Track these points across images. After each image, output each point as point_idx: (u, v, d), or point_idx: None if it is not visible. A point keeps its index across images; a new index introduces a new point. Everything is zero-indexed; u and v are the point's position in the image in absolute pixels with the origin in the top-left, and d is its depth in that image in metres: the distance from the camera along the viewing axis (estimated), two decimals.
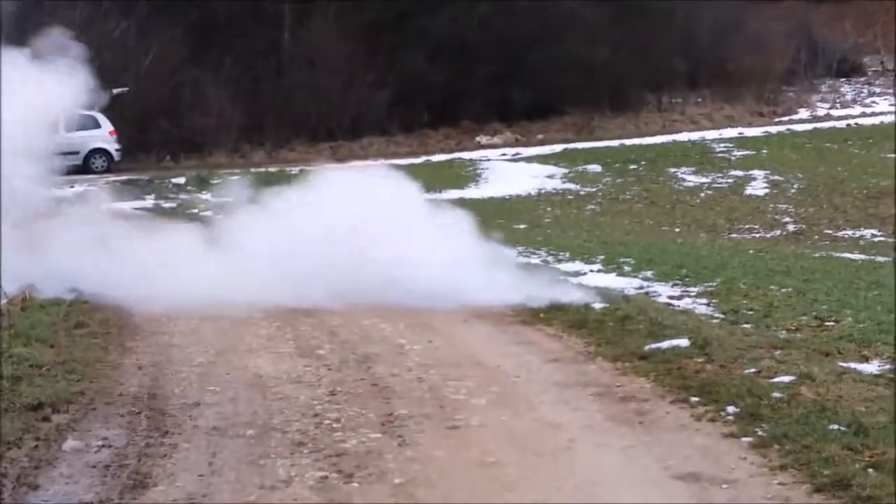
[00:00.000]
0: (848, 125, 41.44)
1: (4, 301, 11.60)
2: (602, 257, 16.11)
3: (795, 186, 31.51)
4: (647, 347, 9.48)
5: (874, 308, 11.33)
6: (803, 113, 45.97)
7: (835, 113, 45.52)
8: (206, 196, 26.20)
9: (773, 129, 41.01)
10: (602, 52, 41.82)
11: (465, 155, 37.64)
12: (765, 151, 36.25)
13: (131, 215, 21.79)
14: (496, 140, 40.62)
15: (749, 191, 31.43)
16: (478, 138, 40.82)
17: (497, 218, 25.64)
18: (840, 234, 26.35)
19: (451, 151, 38.84)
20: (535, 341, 10.40)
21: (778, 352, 9.09)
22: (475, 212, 26.27)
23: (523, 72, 41.22)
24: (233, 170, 31.79)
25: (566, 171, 34.13)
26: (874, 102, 47.90)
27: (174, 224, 16.85)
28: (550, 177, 33.41)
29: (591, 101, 42.65)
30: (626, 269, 14.81)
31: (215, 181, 27.49)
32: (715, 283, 13.19)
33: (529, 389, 8.49)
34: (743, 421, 7.26)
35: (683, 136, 39.62)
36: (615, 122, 43.02)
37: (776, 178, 32.48)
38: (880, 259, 18.72)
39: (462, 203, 28.80)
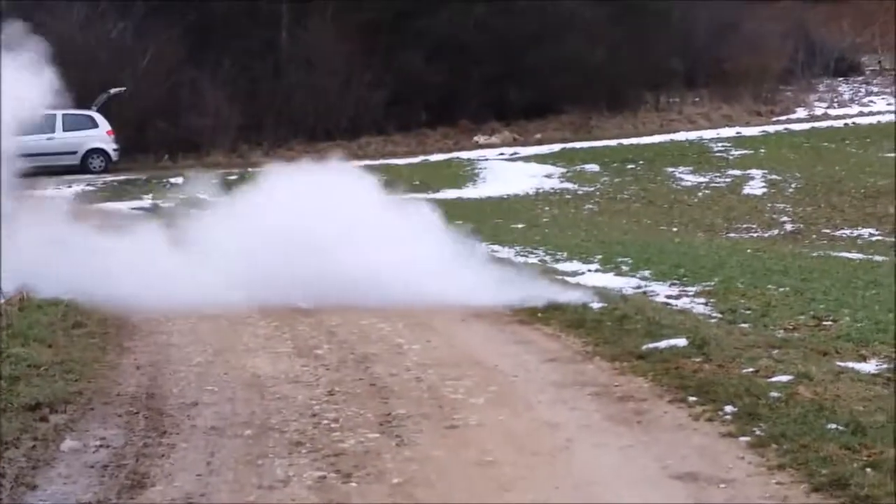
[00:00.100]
0: (845, 124, 41.46)
1: (2, 301, 11.59)
2: (600, 257, 16.11)
3: (793, 186, 31.52)
4: (644, 347, 9.48)
5: (872, 307, 11.33)
6: (801, 112, 45.98)
7: (832, 112, 45.53)
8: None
9: (771, 129, 41.03)
10: (600, 52, 41.82)
11: (463, 154, 37.64)
12: (762, 151, 36.26)
13: (126, 215, 21.70)
14: (494, 139, 40.62)
15: (747, 190, 31.44)
16: (476, 138, 40.82)
17: (495, 217, 25.67)
18: (838, 233, 26.36)
19: (449, 151, 38.84)
20: (532, 341, 10.40)
21: (776, 351, 9.09)
22: (474, 211, 26.38)
23: (521, 72, 41.21)
24: (231, 170, 31.74)
25: (564, 170, 34.14)
26: (872, 102, 47.92)
27: (139, 223, 16.74)
28: (548, 176, 33.41)
29: (588, 101, 42.66)
30: (624, 268, 14.81)
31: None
32: (713, 283, 13.19)
33: (527, 389, 8.50)
34: (741, 420, 7.26)
35: (681, 136, 39.63)
36: (613, 122, 43.03)
37: (774, 177, 32.48)
38: (878, 258, 18.72)
39: (460, 202, 28.88)
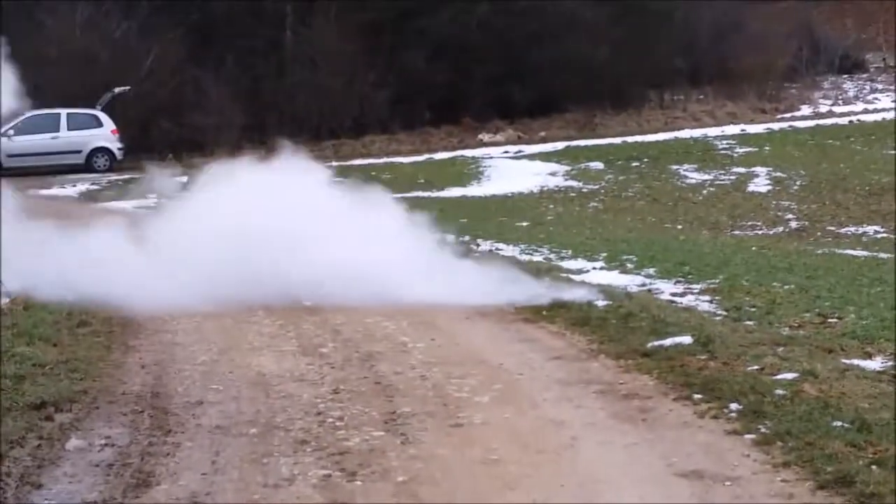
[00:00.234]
0: (850, 122, 41.43)
1: (7, 300, 11.59)
2: (605, 255, 16.09)
3: (798, 183, 31.49)
4: (649, 345, 9.47)
5: (877, 305, 11.31)
6: (805, 110, 45.95)
7: (837, 110, 45.50)
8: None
9: (776, 126, 41.00)
10: (603, 51, 41.81)
11: (468, 153, 37.64)
12: (767, 148, 36.22)
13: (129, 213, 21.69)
14: (498, 138, 40.61)
15: (751, 188, 31.41)
16: (480, 136, 40.81)
17: (499, 215, 25.67)
18: (843, 230, 26.34)
19: (454, 149, 38.84)
20: (537, 339, 10.39)
21: (781, 349, 9.08)
22: (478, 209, 26.37)
23: (524, 70, 41.22)
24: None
25: (568, 168, 34.12)
26: (876, 99, 47.88)
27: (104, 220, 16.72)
28: (553, 174, 33.39)
29: (592, 99, 42.65)
30: (629, 266, 14.80)
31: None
32: (717, 281, 13.17)
33: (532, 387, 8.49)
34: (746, 418, 7.25)
35: (685, 134, 39.61)
36: (617, 120, 43.01)
37: (779, 174, 32.45)
38: (883, 255, 18.69)
39: (465, 201, 28.88)
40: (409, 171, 34.23)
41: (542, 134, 41.02)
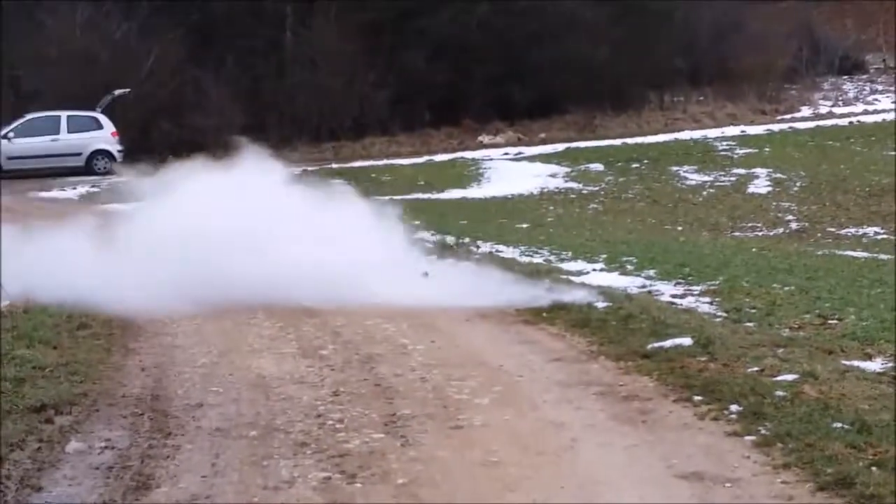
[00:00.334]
0: (850, 123, 41.45)
1: (6, 303, 11.59)
2: (605, 256, 16.09)
3: (798, 184, 31.50)
4: (649, 346, 9.47)
5: (877, 306, 11.31)
6: (805, 111, 45.99)
7: (837, 111, 45.52)
8: None
9: (776, 127, 41.03)
10: (603, 52, 41.83)
11: (468, 154, 37.66)
12: (767, 149, 36.24)
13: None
14: (498, 139, 40.63)
15: (752, 189, 31.43)
16: (480, 137, 40.83)
17: (500, 217, 25.67)
18: (843, 231, 26.35)
19: (454, 151, 38.87)
20: (537, 341, 10.39)
21: (781, 350, 9.07)
22: (478, 211, 26.36)
23: (524, 71, 41.24)
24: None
25: (568, 170, 34.14)
26: (876, 100, 47.91)
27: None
28: (553, 176, 33.41)
29: (592, 100, 42.67)
30: (629, 267, 14.79)
31: None
32: (718, 282, 13.17)
33: (532, 389, 8.49)
34: (746, 419, 7.25)
35: (685, 135, 39.64)
36: (617, 121, 43.03)
37: (779, 176, 32.47)
38: (883, 257, 18.69)
39: (465, 202, 28.89)
40: (409, 173, 34.24)
41: (542, 135, 41.04)
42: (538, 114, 42.22)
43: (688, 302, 11.95)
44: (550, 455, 6.85)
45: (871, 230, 26.24)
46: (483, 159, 36.18)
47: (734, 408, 7.49)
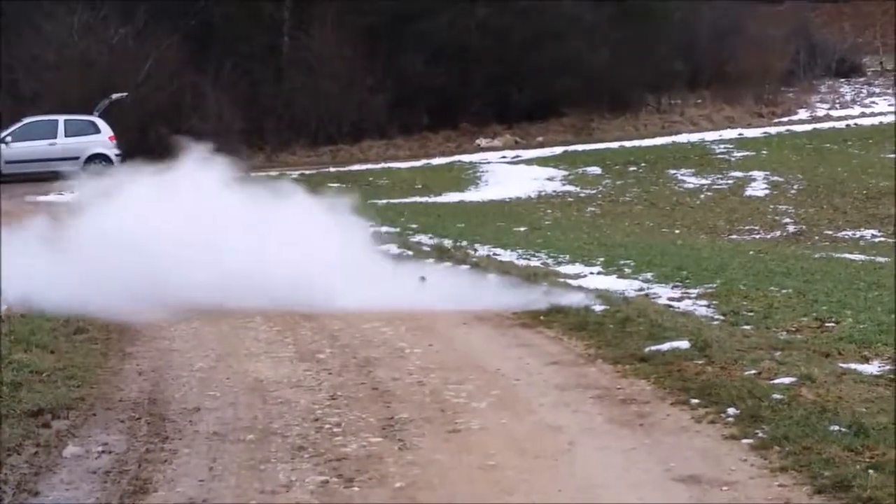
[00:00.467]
0: (847, 126, 41.47)
1: (4, 308, 11.59)
2: (602, 259, 16.10)
3: (795, 187, 31.52)
4: (647, 349, 9.47)
5: (874, 309, 11.31)
6: (803, 114, 46.00)
7: (834, 113, 45.55)
8: None
9: (773, 130, 41.04)
10: (601, 54, 41.85)
11: (466, 157, 37.67)
12: (764, 152, 36.26)
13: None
14: (496, 143, 40.64)
15: (749, 192, 31.44)
16: (478, 141, 40.84)
17: (497, 220, 25.67)
18: (840, 234, 26.36)
19: (452, 154, 38.86)
20: (535, 344, 10.39)
21: (778, 353, 9.07)
22: (476, 214, 26.36)
23: (522, 74, 41.26)
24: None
25: (566, 173, 34.15)
26: (873, 103, 47.93)
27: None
28: (550, 179, 33.42)
29: (590, 103, 42.68)
30: (627, 270, 14.79)
31: None
32: (715, 285, 13.17)
33: (530, 392, 8.49)
34: (743, 422, 7.25)
35: (683, 138, 39.66)
36: (615, 124, 43.04)
37: (776, 178, 32.49)
38: (880, 260, 18.71)
39: (462, 206, 28.89)
40: (407, 177, 34.25)
41: (540, 139, 41.05)
42: (536, 117, 42.24)
43: (685, 305, 11.95)
44: (548, 458, 6.85)
45: (868, 233, 26.26)
46: (481, 162, 36.20)
47: (731, 411, 7.49)
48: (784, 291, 12.62)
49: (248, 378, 9.16)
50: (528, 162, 36.06)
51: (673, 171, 33.98)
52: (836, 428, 6.91)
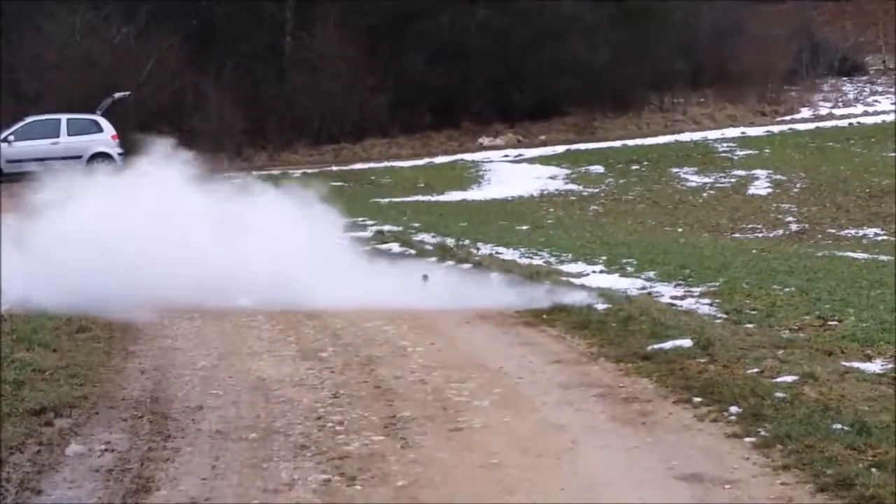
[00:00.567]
0: (850, 124, 41.48)
1: (6, 307, 11.59)
2: (605, 258, 16.10)
3: (798, 186, 31.52)
4: (649, 348, 9.47)
5: (877, 307, 11.30)
6: (805, 112, 45.99)
7: (837, 112, 45.53)
8: None
9: (776, 129, 41.04)
10: (603, 54, 41.85)
11: (468, 156, 37.69)
12: (767, 151, 36.26)
13: None
14: (498, 141, 40.65)
15: (752, 190, 31.44)
16: (480, 140, 40.85)
17: (500, 219, 25.67)
18: (843, 233, 26.37)
19: (454, 153, 38.88)
20: (537, 343, 10.39)
21: (781, 351, 9.07)
22: (478, 213, 26.37)
23: (524, 74, 41.26)
24: (235, 173, 31.81)
25: (569, 171, 34.15)
26: (876, 101, 47.91)
27: None
28: (553, 178, 33.43)
29: (592, 102, 42.68)
30: (629, 269, 14.79)
31: None
32: (718, 283, 13.17)
33: (532, 391, 8.49)
34: (746, 421, 7.25)
35: (686, 136, 39.67)
36: (617, 123, 43.04)
37: (779, 177, 32.48)
38: (883, 258, 18.69)
39: (465, 204, 28.89)
40: (409, 175, 34.26)
41: (542, 137, 41.05)
42: (538, 116, 42.23)
43: (688, 303, 11.95)
44: (550, 457, 6.85)
45: (871, 231, 26.27)
46: (483, 161, 36.20)
47: (734, 409, 7.49)
48: (787, 290, 12.61)
49: (251, 376, 9.16)
50: (531, 161, 36.07)
51: (675, 170, 33.98)
52: (839, 426, 6.91)
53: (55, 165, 33.14)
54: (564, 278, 13.79)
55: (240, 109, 38.36)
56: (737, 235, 25.88)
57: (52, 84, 36.87)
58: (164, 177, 14.10)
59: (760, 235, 26.20)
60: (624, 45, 42.48)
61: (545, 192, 31.66)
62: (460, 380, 8.82)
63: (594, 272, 14.68)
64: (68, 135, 33.56)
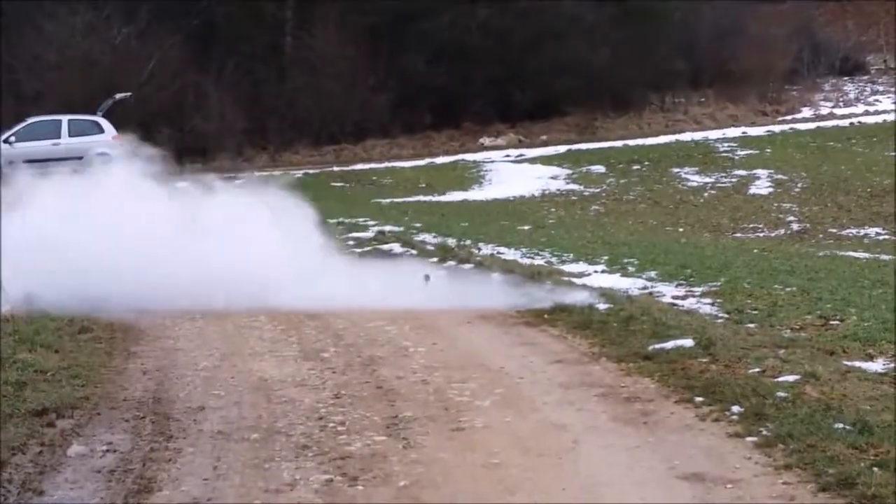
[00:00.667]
0: (851, 124, 41.47)
1: (8, 307, 11.59)
2: (606, 258, 16.09)
3: (799, 185, 31.51)
4: (651, 348, 9.47)
5: (879, 306, 11.29)
6: (806, 112, 45.99)
7: (838, 112, 45.52)
8: None
9: (777, 129, 41.04)
10: (603, 54, 41.86)
11: (469, 156, 37.70)
12: (768, 151, 36.25)
13: None
14: (499, 141, 40.66)
15: (753, 190, 31.44)
16: (481, 140, 40.85)
17: (501, 219, 25.67)
18: (844, 232, 26.36)
19: (455, 153, 38.89)
20: (539, 342, 10.39)
21: (782, 351, 9.07)
22: (480, 213, 26.37)
23: (525, 74, 41.28)
24: (236, 173, 31.83)
25: (570, 171, 34.16)
26: (877, 101, 47.90)
27: None
28: (554, 178, 33.44)
29: (593, 102, 42.70)
30: (630, 269, 14.79)
31: None
32: (719, 283, 13.16)
33: (534, 391, 8.49)
34: (747, 420, 7.25)
35: (687, 136, 39.67)
36: (618, 123, 43.06)
37: (780, 177, 32.48)
38: (884, 257, 18.68)
39: (466, 205, 28.89)
40: (410, 176, 34.26)
41: (543, 137, 41.06)
42: (539, 116, 42.25)
43: (689, 303, 11.94)
44: (552, 457, 6.85)
45: (872, 231, 26.26)
46: (484, 161, 36.21)
47: (735, 409, 7.49)
48: (788, 289, 12.60)
49: (253, 377, 9.16)
50: (532, 161, 36.08)
51: (676, 170, 33.98)
52: (841, 425, 6.90)
53: (56, 166, 33.29)
54: (566, 278, 13.79)
55: (241, 109, 38.39)
56: (738, 235, 25.88)
57: (52, 84, 36.88)
58: (124, 176, 14.07)
59: (762, 235, 26.20)
60: (624, 44, 42.49)
61: (546, 192, 31.66)
62: (462, 380, 8.83)
63: (595, 272, 14.68)
64: (69, 136, 33.56)
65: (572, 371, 9.09)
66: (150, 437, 7.44)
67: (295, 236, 13.71)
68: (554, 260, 16.16)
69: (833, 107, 46.83)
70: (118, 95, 35.29)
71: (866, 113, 44.64)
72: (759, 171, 33.18)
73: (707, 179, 32.84)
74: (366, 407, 8.05)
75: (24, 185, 14.49)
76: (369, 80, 40.01)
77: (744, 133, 39.75)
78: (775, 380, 8.10)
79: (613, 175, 33.71)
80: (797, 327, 10.27)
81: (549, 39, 41.30)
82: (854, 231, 26.39)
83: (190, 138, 37.48)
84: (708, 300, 12.06)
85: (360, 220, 21.57)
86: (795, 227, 27.21)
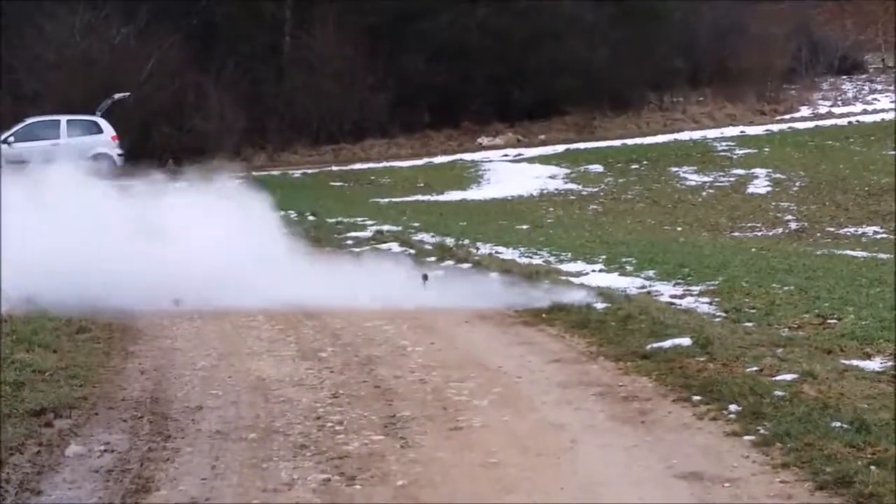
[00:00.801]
0: (849, 123, 41.50)
1: (6, 307, 11.59)
2: (604, 257, 16.10)
3: (797, 184, 31.52)
4: (649, 347, 9.48)
5: (876, 305, 11.30)
6: (805, 111, 46.03)
7: (836, 110, 45.55)
8: None
9: (775, 128, 41.06)
10: (602, 53, 41.88)
11: (467, 156, 37.72)
12: (766, 150, 36.27)
13: None
14: (498, 141, 40.66)
15: (751, 189, 31.45)
16: (479, 139, 40.86)
17: (499, 219, 25.68)
18: (842, 231, 26.38)
19: (453, 153, 38.91)
20: (536, 342, 10.40)
21: (780, 350, 9.07)
22: (478, 213, 26.37)
23: (524, 73, 41.29)
24: (235, 173, 31.82)
25: (568, 171, 34.17)
26: (875, 100, 47.94)
27: None
28: (552, 177, 33.44)
29: (592, 102, 42.71)
30: (628, 268, 14.79)
31: None
32: (717, 282, 13.17)
33: (531, 390, 8.49)
34: (745, 419, 7.26)
35: (685, 135, 39.69)
36: (616, 122, 43.07)
37: (778, 176, 32.49)
38: (882, 256, 18.69)
39: (464, 204, 28.90)
40: (409, 175, 34.27)
41: (542, 137, 41.08)
42: (537, 115, 42.26)
43: (687, 302, 11.95)
44: (550, 456, 6.85)
45: (870, 229, 26.27)
46: (482, 161, 36.22)
47: (733, 408, 7.49)
48: (786, 288, 12.61)
49: (251, 377, 9.16)
50: (530, 160, 36.09)
51: (675, 169, 33.99)
52: (838, 424, 6.91)
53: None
54: (564, 277, 13.79)
55: (240, 109, 38.39)
56: (736, 234, 25.89)
57: (51, 84, 36.86)
58: (76, 176, 14.02)
59: (760, 234, 26.21)
60: (624, 44, 42.50)
61: (544, 191, 31.67)
62: (460, 379, 8.83)
63: (593, 271, 14.68)
64: (68, 136, 33.56)
65: (570, 370, 9.09)
66: (148, 436, 7.44)
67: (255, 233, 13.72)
68: (552, 259, 16.17)
69: (831, 106, 46.86)
70: (117, 95, 35.30)
71: (864, 112, 44.67)
72: (758, 170, 33.20)
73: (705, 178, 32.85)
74: (364, 406, 8.05)
75: None
76: (368, 80, 40.02)
77: (742, 132, 39.77)
78: (773, 378, 8.11)
79: (612, 174, 33.71)
80: (795, 326, 10.27)
81: (548, 39, 41.31)
82: (852, 230, 26.41)
83: (189, 138, 37.47)
84: (706, 299, 12.06)
85: (359, 219, 21.58)
86: (793, 225, 27.23)
